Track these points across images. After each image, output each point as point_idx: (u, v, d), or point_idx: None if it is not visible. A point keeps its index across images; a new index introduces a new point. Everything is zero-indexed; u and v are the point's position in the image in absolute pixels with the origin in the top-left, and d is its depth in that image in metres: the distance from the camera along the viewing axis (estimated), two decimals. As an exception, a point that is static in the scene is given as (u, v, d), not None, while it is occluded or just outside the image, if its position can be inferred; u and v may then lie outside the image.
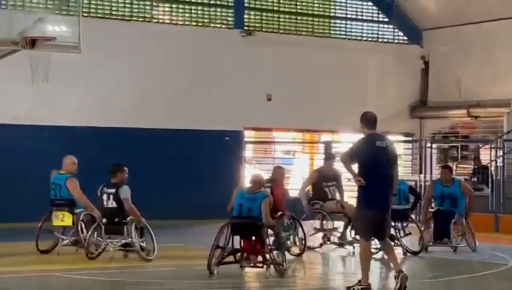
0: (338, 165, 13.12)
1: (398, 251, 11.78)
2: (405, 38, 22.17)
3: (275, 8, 20.60)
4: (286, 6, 20.75)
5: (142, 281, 9.49)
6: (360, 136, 8.56)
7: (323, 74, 20.12)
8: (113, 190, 10.39)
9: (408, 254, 12.16)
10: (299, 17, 20.79)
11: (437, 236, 12.46)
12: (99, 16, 18.28)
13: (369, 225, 8.40)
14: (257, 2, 20.29)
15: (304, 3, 20.95)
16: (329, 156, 14.42)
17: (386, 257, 9.90)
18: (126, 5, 19.49)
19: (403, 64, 21.85)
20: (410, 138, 21.62)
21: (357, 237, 10.15)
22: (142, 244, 10.59)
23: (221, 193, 12.43)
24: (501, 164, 17.53)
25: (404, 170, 20.96)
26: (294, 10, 20.65)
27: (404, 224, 12.48)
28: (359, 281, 8.35)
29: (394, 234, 11.86)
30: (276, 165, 14.56)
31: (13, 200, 15.99)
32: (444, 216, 12.09)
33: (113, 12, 18.87)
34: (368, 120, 8.48)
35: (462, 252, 12.40)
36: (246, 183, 15.48)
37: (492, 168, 17.80)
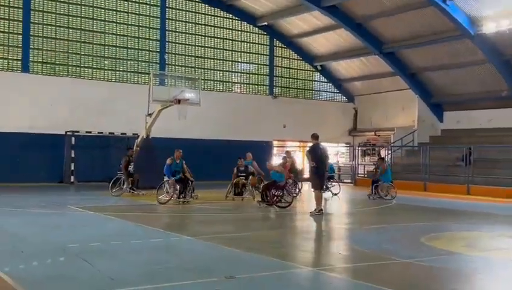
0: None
1: (328, 194, 18.98)
2: (346, 100, 32.66)
3: (287, 85, 31.06)
4: (292, 84, 31.13)
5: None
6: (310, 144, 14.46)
7: (309, 117, 29.50)
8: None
9: (333, 196, 19.42)
10: (298, 90, 31.46)
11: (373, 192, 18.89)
12: (209, 89, 27.59)
13: (319, 182, 14.11)
14: (279, 83, 30.71)
15: (299, 82, 31.41)
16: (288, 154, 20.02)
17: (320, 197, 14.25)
18: (219, 82, 28.81)
19: (346, 111, 32.45)
20: (348, 145, 31.77)
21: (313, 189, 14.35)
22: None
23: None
24: (389, 157, 27.30)
25: (344, 160, 31.33)
26: (296, 86, 31.36)
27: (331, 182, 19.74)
28: (315, 209, 13.77)
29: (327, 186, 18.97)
30: (286, 152, 21.61)
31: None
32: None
33: (215, 88, 28.48)
34: (315, 137, 14.22)
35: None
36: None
37: (387, 159, 26.02)
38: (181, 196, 15.86)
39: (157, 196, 15.87)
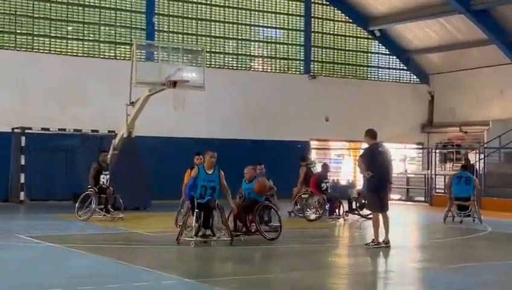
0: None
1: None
2: (418, 80, 32.48)
3: (330, 60, 30.78)
4: (338, 58, 30.96)
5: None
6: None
7: (363, 104, 29.57)
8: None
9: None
10: (347, 66, 31.17)
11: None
12: (218, 66, 27.64)
13: (379, 201, 13.63)
14: (318, 57, 30.47)
15: (348, 56, 31.26)
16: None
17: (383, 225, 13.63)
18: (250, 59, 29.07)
19: (417, 97, 32.20)
20: (421, 147, 31.59)
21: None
22: None
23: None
24: (481, 163, 26.72)
25: (416, 168, 31.07)
26: (343, 61, 31.03)
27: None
28: (373, 240, 13.47)
29: None
30: (323, 163, 21.67)
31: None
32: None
33: (226, 64, 28.39)
34: (371, 134, 13.68)
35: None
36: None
37: (477, 166, 26.02)
38: (200, 232, 13.43)
39: (177, 226, 15.08)
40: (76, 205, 18.46)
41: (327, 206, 19.40)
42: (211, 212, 13.24)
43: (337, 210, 19.79)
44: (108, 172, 19.11)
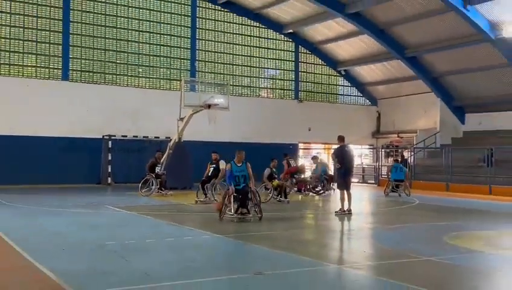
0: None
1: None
2: (369, 103, 32.32)
3: (311, 90, 30.85)
4: (317, 88, 30.96)
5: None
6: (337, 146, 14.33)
7: (334, 119, 29.47)
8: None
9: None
10: (323, 94, 31.24)
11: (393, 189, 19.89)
12: (237, 95, 27.55)
13: (344, 183, 13.72)
14: (304, 88, 30.47)
15: (323, 87, 31.15)
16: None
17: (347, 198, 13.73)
18: (247, 87, 28.80)
19: (368, 115, 32.13)
20: (372, 147, 31.56)
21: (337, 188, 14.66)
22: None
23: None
24: (412, 159, 26.71)
25: (368, 161, 30.90)
26: (320, 91, 31.17)
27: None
28: (340, 209, 13.52)
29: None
30: (313, 156, 23.20)
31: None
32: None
33: (243, 93, 28.49)
34: (341, 139, 14.06)
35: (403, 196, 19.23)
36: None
37: (409, 160, 25.95)
38: (239, 211, 12.37)
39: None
40: (140, 185, 18.58)
41: (295, 188, 20.22)
42: (246, 195, 12.39)
43: (302, 189, 20.51)
44: (160, 165, 19.46)
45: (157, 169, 19.12)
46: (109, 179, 23.71)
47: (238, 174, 12.70)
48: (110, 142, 23.86)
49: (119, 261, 7.65)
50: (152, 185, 18.75)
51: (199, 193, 16.23)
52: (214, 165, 16.56)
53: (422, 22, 24.46)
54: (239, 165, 12.78)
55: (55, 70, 24.36)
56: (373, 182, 28.18)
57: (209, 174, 16.48)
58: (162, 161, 21.12)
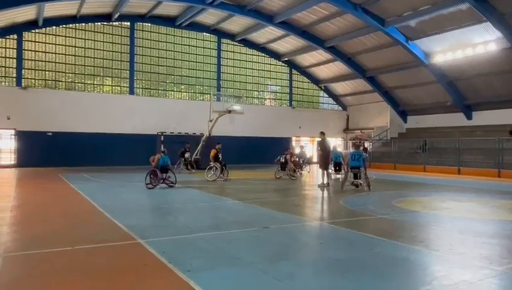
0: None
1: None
2: (341, 109, 31.90)
3: (301, 99, 30.44)
4: (305, 98, 30.54)
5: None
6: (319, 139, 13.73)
7: (317, 120, 29.37)
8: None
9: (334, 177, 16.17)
10: (309, 102, 30.74)
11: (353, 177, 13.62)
12: (249, 103, 27.31)
13: (324, 164, 13.43)
14: (296, 98, 30.28)
15: (310, 98, 30.68)
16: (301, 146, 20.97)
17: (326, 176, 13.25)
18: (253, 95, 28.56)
19: (340, 117, 31.71)
20: (343, 139, 31.29)
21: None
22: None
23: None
24: (371, 147, 27.57)
25: (340, 149, 30.45)
26: (308, 100, 30.66)
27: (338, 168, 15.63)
28: (322, 182, 13.19)
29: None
30: (300, 145, 22.52)
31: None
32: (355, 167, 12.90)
33: (253, 102, 28.08)
34: (323, 133, 13.85)
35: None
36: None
37: (369, 148, 27.14)
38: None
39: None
40: (175, 167, 18.40)
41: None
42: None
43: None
44: (189, 152, 19.16)
45: (187, 155, 18.92)
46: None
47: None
48: (162, 137, 23.76)
49: (170, 218, 7.66)
50: (181, 165, 18.78)
51: (208, 172, 15.38)
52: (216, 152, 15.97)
53: (377, 52, 24.28)
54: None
55: (124, 88, 24.39)
56: (343, 164, 27.80)
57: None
58: (197, 149, 21.15)
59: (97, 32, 23.57)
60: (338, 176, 15.53)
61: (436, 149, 22.78)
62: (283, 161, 16.54)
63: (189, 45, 26.32)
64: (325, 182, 13.37)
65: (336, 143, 31.03)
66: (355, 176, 12.86)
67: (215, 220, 7.60)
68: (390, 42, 22.65)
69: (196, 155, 21.30)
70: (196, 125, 24.27)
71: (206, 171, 15.14)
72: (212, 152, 15.39)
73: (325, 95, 31.86)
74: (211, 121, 21.25)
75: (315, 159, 19.81)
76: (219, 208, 9.19)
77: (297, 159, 18.19)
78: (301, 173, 18.37)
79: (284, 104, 30.30)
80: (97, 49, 23.69)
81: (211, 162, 15.28)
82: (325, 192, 12.59)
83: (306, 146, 24.26)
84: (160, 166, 12.49)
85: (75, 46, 23.23)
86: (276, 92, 30.16)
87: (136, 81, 24.75)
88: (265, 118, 28.14)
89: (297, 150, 19.85)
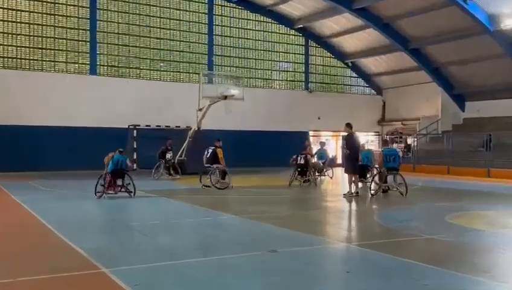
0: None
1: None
2: (375, 93, 32.15)
3: (321, 80, 30.66)
4: (326, 79, 30.81)
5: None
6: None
7: (342, 108, 29.19)
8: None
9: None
10: (331, 85, 31.03)
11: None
12: (251, 86, 27.26)
13: (352, 167, 13.56)
14: (314, 79, 30.47)
15: (332, 78, 31.03)
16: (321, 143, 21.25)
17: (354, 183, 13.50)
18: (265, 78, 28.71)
19: (374, 104, 31.89)
20: (377, 134, 31.62)
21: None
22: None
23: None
24: (416, 144, 27.50)
25: (374, 148, 29.76)
26: (329, 82, 31.00)
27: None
28: (348, 191, 13.51)
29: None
30: (320, 142, 22.50)
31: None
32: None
33: (256, 85, 28.33)
34: (350, 126, 13.83)
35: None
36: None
37: (412, 145, 27.34)
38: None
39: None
40: (153, 170, 18.66)
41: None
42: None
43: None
44: (171, 152, 19.38)
45: (169, 155, 19.12)
46: (134, 165, 23.76)
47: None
48: (135, 131, 23.92)
49: (143, 239, 7.69)
50: (161, 169, 18.86)
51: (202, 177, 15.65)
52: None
53: (424, 15, 24.24)
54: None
55: (83, 66, 24.53)
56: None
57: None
58: (183, 148, 21.25)
59: (47, -9, 23.71)
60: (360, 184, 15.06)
61: (504, 146, 22.71)
62: (302, 162, 16.56)
63: (170, 8, 26.48)
64: (353, 191, 13.48)
65: (368, 139, 31.34)
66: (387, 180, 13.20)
67: (206, 241, 7.67)
68: (443, 1, 22.61)
69: (181, 156, 21.43)
70: (180, 115, 24.43)
71: (209, 177, 15.24)
72: (220, 152, 15.48)
73: (353, 74, 31.91)
74: (200, 110, 21.39)
75: (339, 160, 19.91)
76: (212, 225, 9.28)
77: (316, 160, 18.35)
78: (321, 179, 18.50)
79: (299, 87, 30.37)
80: (46, 14, 23.80)
81: (213, 165, 15.35)
82: (353, 203, 12.60)
83: (327, 143, 24.48)
84: (111, 169, 12.69)
85: (16, 10, 23.32)
86: (287, 71, 30.21)
87: (99, 56, 24.89)
88: (273, 106, 28.16)
89: (315, 148, 20.08)
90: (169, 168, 19.15)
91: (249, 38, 28.58)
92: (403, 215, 10.72)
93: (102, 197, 12.36)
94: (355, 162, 13.70)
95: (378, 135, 31.25)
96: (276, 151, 25.28)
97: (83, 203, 12.18)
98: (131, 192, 12.73)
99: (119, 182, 12.78)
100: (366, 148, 17.15)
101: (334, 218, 10.68)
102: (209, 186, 14.89)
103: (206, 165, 15.50)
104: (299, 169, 16.61)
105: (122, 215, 10.23)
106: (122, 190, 12.77)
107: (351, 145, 13.57)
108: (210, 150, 15.57)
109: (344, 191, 14.01)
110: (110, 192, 12.57)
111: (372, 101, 32.07)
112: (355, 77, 31.96)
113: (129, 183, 12.88)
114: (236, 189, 15.30)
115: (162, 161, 19.07)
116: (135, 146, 23.88)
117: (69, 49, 24.19)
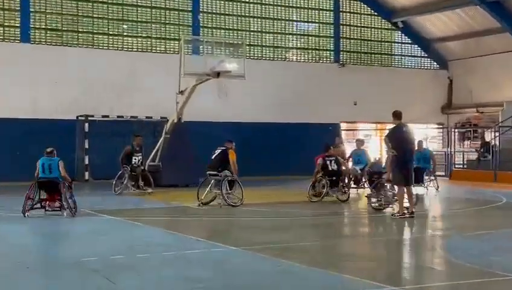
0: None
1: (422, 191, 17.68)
2: (438, 66, 32.25)
3: (357, 49, 30.77)
4: (365, 47, 30.91)
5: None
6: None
7: (388, 89, 29.24)
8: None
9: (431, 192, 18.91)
10: (373, 55, 31.07)
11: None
12: (256, 58, 27.79)
13: (402, 176, 13.32)
14: (347, 47, 30.53)
15: (374, 46, 31.14)
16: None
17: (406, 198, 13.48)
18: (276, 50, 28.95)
19: (437, 81, 31.96)
20: (441, 126, 31.50)
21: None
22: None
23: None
24: (496, 141, 26.98)
25: (436, 146, 30.40)
26: (369, 50, 30.99)
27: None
28: (398, 211, 13.43)
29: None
30: (357, 140, 22.35)
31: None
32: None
33: (263, 55, 28.60)
34: (397, 116, 13.48)
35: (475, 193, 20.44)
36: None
37: (492, 143, 26.63)
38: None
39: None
40: (114, 182, 18.70)
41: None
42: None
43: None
44: (140, 154, 19.35)
45: (134, 159, 19.08)
46: (86, 174, 23.83)
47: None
48: (86, 124, 23.94)
49: (103, 284, 7.63)
50: (125, 180, 18.83)
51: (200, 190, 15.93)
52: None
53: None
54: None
55: (11, 29, 24.43)
56: (443, 174, 27.72)
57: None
58: (157, 148, 21.30)
59: None
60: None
61: None
62: (335, 168, 16.61)
63: None
64: (405, 210, 13.35)
65: (427, 134, 31.32)
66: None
67: (192, 285, 7.57)
68: None
69: (154, 160, 21.51)
70: (153, 101, 24.42)
71: (215, 189, 15.54)
72: (233, 155, 15.86)
73: (405, 39, 31.78)
74: (181, 93, 21.37)
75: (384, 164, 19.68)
76: (200, 262, 9.20)
77: (352, 165, 18.65)
78: (359, 193, 18.62)
79: (325, 58, 30.12)
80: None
81: (221, 173, 15.61)
82: (407, 227, 12.50)
83: (369, 141, 25.37)
84: (39, 178, 13.26)
85: None
86: (309, 35, 30.04)
87: (33, 15, 24.72)
88: (287, 86, 28.02)
89: (350, 148, 20.15)
90: (137, 178, 19.03)
91: (253, -12, 28.71)
92: (480, 245, 10.60)
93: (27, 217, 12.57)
94: (407, 168, 13.54)
95: (443, 127, 31.19)
96: (293, 152, 25.49)
97: (11, 230, 12.07)
98: (68, 208, 13.10)
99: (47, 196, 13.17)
100: (423, 147, 17.11)
101: (378, 250, 10.60)
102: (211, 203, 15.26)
103: (208, 171, 15.67)
104: (331, 178, 16.56)
105: (72, 248, 10.14)
106: (52, 206, 13.08)
107: (398, 142, 13.43)
108: (218, 151, 15.86)
109: (393, 210, 13.90)
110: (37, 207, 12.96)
111: (433, 78, 31.97)
112: (407, 43, 31.85)
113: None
114: (235, 207, 15.37)
115: (127, 167, 18.96)
116: (87, 146, 23.99)
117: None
